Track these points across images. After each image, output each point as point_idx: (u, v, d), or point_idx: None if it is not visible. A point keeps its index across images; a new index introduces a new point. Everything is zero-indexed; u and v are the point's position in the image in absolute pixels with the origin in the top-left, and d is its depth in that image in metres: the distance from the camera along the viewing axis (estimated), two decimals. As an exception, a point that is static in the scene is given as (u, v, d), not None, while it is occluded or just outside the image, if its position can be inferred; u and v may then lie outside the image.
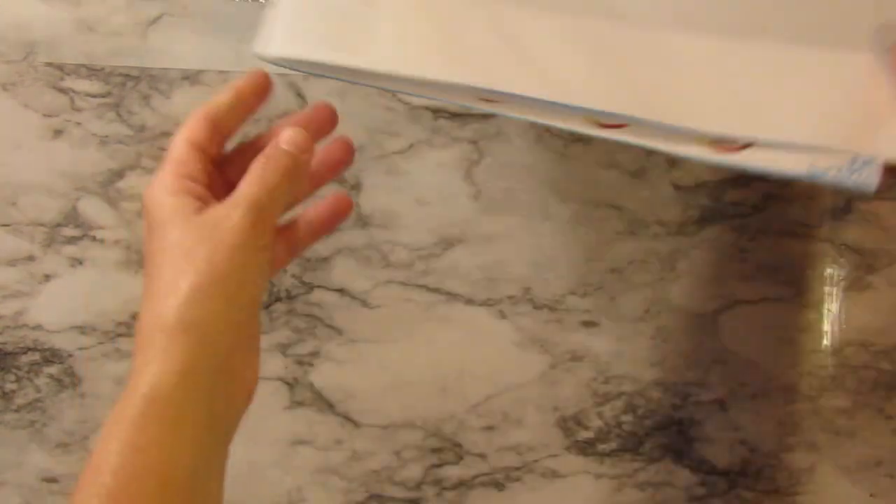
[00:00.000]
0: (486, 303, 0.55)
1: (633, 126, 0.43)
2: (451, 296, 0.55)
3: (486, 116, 0.55)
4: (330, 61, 0.45)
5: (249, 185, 0.39)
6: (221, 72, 0.55)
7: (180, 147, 0.41)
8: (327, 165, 0.46)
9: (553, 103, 0.43)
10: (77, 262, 0.54)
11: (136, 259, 0.54)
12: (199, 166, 0.41)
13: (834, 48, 0.43)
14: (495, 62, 0.46)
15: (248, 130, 0.55)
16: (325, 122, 0.46)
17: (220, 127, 0.43)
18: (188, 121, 0.42)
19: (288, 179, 0.41)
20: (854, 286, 0.55)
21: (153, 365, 0.36)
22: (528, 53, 0.45)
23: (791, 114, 0.43)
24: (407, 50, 0.46)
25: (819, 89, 0.44)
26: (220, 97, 0.43)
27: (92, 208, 0.54)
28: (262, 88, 0.44)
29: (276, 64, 0.44)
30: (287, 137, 0.41)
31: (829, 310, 0.56)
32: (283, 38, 0.44)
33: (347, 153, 0.46)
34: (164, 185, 0.39)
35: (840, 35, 0.44)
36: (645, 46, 0.44)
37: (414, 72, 0.45)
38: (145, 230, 0.39)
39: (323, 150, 0.46)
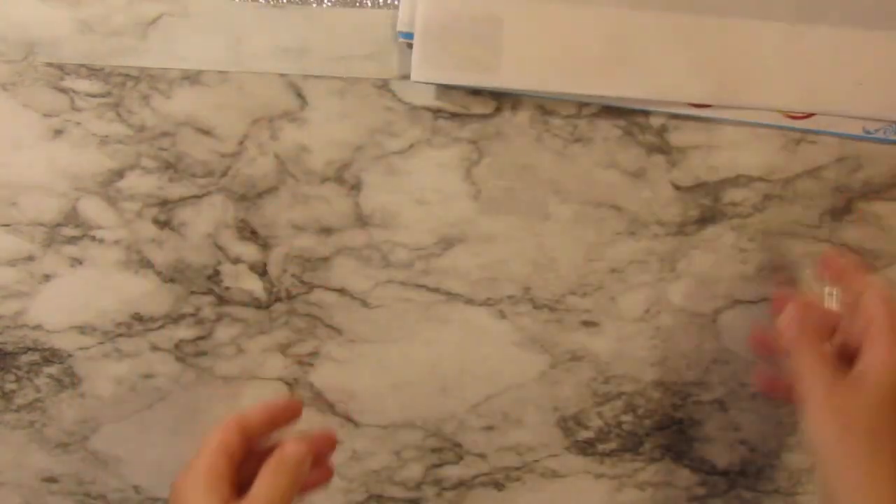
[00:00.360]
0: (486, 303, 0.55)
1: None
2: (451, 296, 0.55)
3: (485, 116, 0.55)
4: (466, 83, 0.54)
5: (264, 487, 0.45)
6: (221, 72, 0.55)
7: (215, 454, 0.46)
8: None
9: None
10: (77, 262, 0.54)
11: (137, 259, 0.54)
12: (226, 471, 0.46)
13: (885, 31, 0.54)
14: (610, 70, 0.54)
15: (249, 132, 0.55)
16: (326, 447, 0.51)
17: (249, 437, 0.48)
18: (223, 429, 0.47)
19: (295, 486, 0.46)
20: (854, 286, 0.55)
21: None
22: (636, 56, 0.54)
23: (848, 89, 0.54)
24: (531, 66, 0.54)
25: (872, 66, 0.54)
26: (255, 414, 0.49)
27: (92, 208, 0.54)
28: (294, 413, 0.50)
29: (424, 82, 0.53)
30: (292, 450, 0.47)
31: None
32: (427, 63, 0.53)
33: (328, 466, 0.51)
34: (201, 481, 0.45)
35: (889, 20, 0.54)
36: (725, 34, 0.54)
37: (539, 87, 0.54)
38: None
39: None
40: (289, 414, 0.50)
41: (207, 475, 0.45)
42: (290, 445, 0.47)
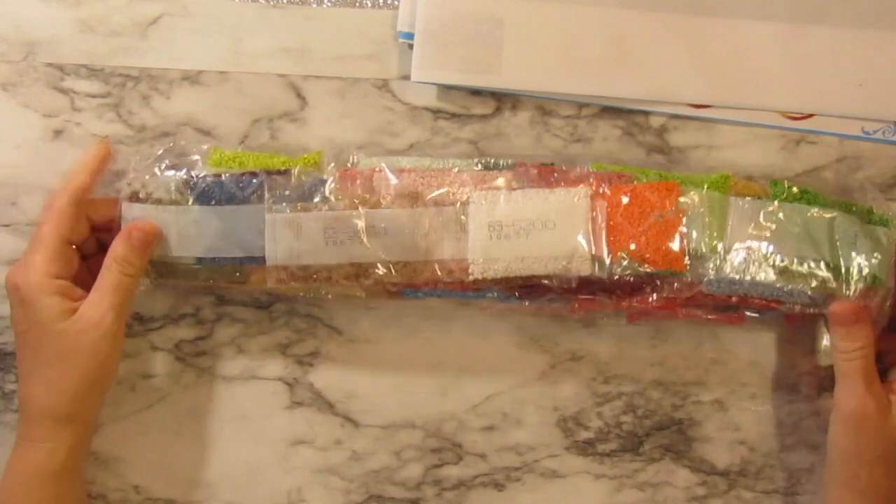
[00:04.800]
0: (486, 303, 0.55)
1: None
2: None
3: (485, 116, 0.55)
4: (467, 84, 0.54)
5: (110, 291, 0.47)
6: (221, 72, 0.55)
7: (52, 246, 0.47)
8: None
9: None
10: (77, 262, 0.54)
11: (136, 259, 0.54)
12: (67, 260, 0.48)
13: (885, 31, 0.54)
14: (610, 70, 0.54)
15: (249, 132, 0.55)
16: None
17: (83, 207, 0.49)
18: (55, 212, 0.48)
19: (138, 273, 0.49)
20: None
21: (47, 444, 0.47)
22: (636, 56, 0.54)
23: (848, 89, 0.54)
24: (531, 66, 0.54)
25: (871, 66, 0.54)
26: (78, 180, 0.49)
27: (92, 208, 0.54)
28: (107, 156, 0.52)
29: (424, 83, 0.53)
30: (137, 237, 0.48)
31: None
32: (429, 63, 0.53)
33: None
34: (37, 284, 0.46)
35: (888, 20, 0.54)
36: (725, 34, 0.54)
37: (539, 87, 0.54)
38: (16, 312, 0.47)
39: None
40: (104, 158, 0.51)
41: (46, 271, 0.47)
42: (130, 234, 0.48)
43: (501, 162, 0.51)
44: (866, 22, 0.55)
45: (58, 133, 0.54)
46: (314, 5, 0.56)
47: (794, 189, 0.50)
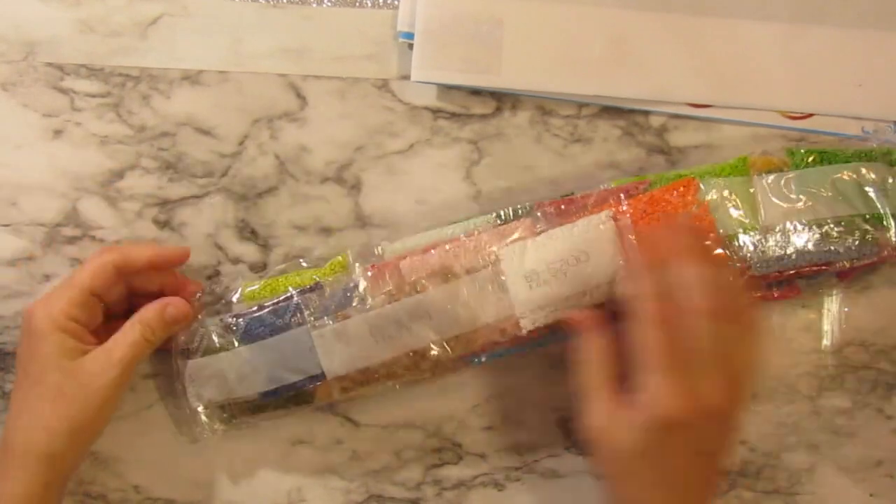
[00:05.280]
0: (486, 303, 0.55)
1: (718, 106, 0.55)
2: (451, 296, 0.55)
3: (485, 116, 0.55)
4: (467, 84, 0.54)
5: (125, 346, 0.47)
6: (221, 72, 0.55)
7: (80, 292, 0.47)
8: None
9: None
10: (77, 262, 0.54)
11: (136, 259, 0.54)
12: (90, 310, 0.48)
13: (885, 31, 0.54)
14: (610, 70, 0.54)
15: (249, 132, 0.55)
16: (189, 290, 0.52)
17: (124, 278, 0.49)
18: (96, 264, 0.48)
19: (155, 344, 0.49)
20: (853, 286, 0.55)
21: (23, 479, 0.46)
22: (636, 56, 0.54)
23: (848, 89, 0.54)
24: (531, 66, 0.54)
25: (871, 66, 0.54)
26: (138, 254, 0.49)
27: (92, 208, 0.54)
28: (180, 261, 0.51)
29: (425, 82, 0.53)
30: (171, 313, 0.49)
31: (828, 310, 0.56)
32: (427, 63, 0.53)
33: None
34: (53, 319, 0.46)
35: (888, 20, 0.54)
36: (725, 34, 0.54)
37: (539, 87, 0.54)
38: (24, 341, 0.47)
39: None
40: (175, 259, 0.51)
41: (66, 313, 0.47)
42: (169, 305, 0.48)
43: (519, 208, 0.51)
44: (866, 22, 0.55)
45: (58, 133, 0.54)
46: (314, 5, 0.56)
47: (812, 155, 0.51)
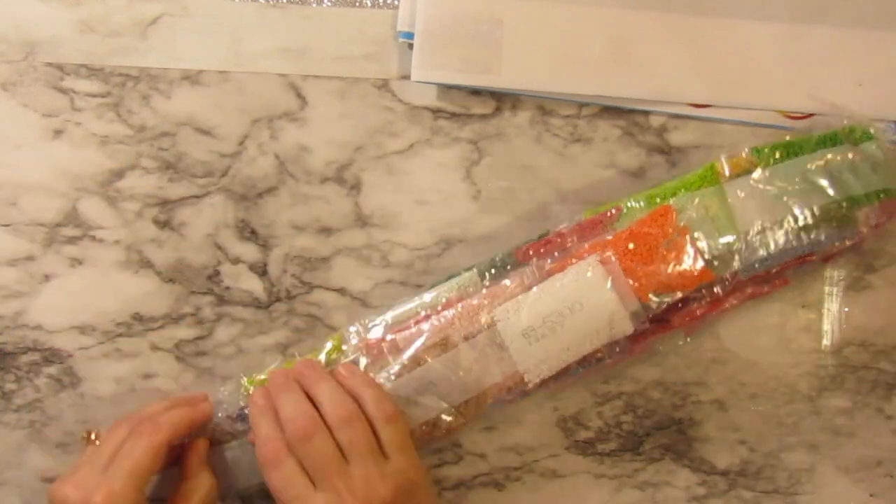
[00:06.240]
0: (486, 303, 0.55)
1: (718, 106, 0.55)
2: (451, 296, 0.55)
3: (485, 116, 0.55)
4: (467, 84, 0.54)
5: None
6: (221, 72, 0.55)
7: (142, 476, 0.46)
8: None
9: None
10: (77, 262, 0.54)
11: (137, 259, 0.54)
12: (141, 494, 0.46)
13: (885, 31, 0.54)
14: (610, 70, 0.54)
15: (249, 132, 0.55)
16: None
17: (173, 445, 0.48)
18: (151, 449, 0.47)
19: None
20: (853, 286, 0.55)
21: None
22: (636, 56, 0.54)
23: (848, 89, 0.54)
24: (531, 66, 0.54)
25: (871, 66, 0.54)
26: (183, 425, 0.49)
27: (92, 208, 0.54)
28: (206, 419, 0.51)
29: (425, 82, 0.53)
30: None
31: (828, 310, 0.56)
32: (427, 63, 0.53)
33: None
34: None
35: (888, 20, 0.54)
36: (725, 34, 0.54)
37: (539, 87, 0.54)
38: None
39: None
40: (207, 418, 0.51)
41: (131, 499, 0.45)
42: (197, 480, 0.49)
43: (497, 258, 0.52)
44: (866, 22, 0.55)
45: (58, 133, 0.54)
46: (314, 5, 0.56)
47: (778, 150, 0.51)
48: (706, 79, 0.54)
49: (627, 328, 0.49)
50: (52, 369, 0.54)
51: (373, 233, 0.55)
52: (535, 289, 0.49)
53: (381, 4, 0.56)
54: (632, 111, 0.55)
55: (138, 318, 0.54)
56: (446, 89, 0.55)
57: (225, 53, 0.55)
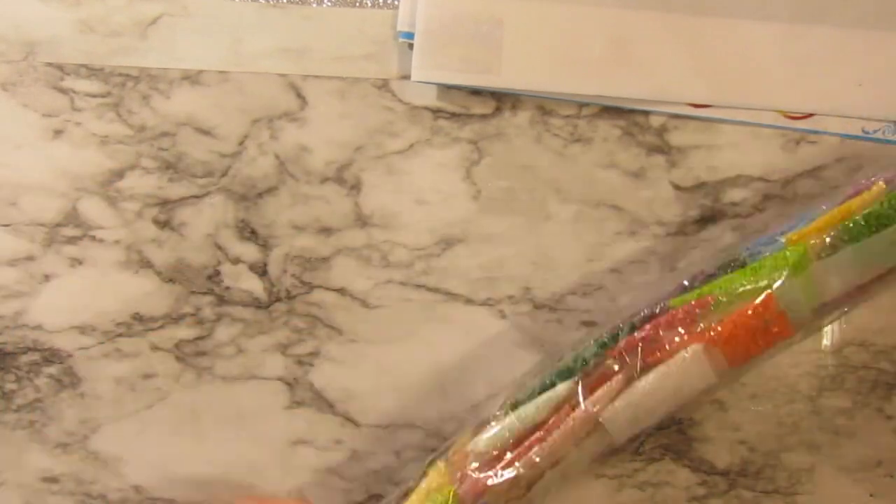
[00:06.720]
0: (486, 303, 0.55)
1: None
2: (451, 296, 0.55)
3: (485, 116, 0.55)
4: (467, 84, 0.54)
5: None
6: (221, 72, 0.55)
7: None
8: None
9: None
10: (77, 262, 0.54)
11: (137, 259, 0.54)
12: None
13: (885, 31, 0.54)
14: (610, 70, 0.54)
15: (249, 132, 0.55)
16: None
17: None
18: None
19: None
20: (854, 286, 0.55)
21: None
22: (636, 56, 0.54)
23: (848, 89, 0.54)
24: (531, 66, 0.54)
25: (871, 66, 0.54)
26: None
27: (92, 208, 0.54)
28: None
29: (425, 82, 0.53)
30: None
31: (829, 310, 0.55)
32: (427, 63, 0.53)
33: None
34: None
35: (888, 20, 0.54)
36: (725, 34, 0.54)
37: (539, 87, 0.54)
38: None
39: None
40: None
41: None
42: None
43: (592, 355, 0.49)
44: (866, 22, 0.54)
45: (58, 133, 0.54)
46: (314, 5, 0.56)
47: (860, 222, 0.48)
48: (706, 79, 0.54)
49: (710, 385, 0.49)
50: (52, 369, 0.54)
51: (373, 233, 0.55)
52: (639, 386, 0.48)
53: (381, 4, 0.56)
54: (632, 111, 0.55)
55: (138, 318, 0.54)
56: (446, 89, 0.55)
57: (225, 53, 0.55)
